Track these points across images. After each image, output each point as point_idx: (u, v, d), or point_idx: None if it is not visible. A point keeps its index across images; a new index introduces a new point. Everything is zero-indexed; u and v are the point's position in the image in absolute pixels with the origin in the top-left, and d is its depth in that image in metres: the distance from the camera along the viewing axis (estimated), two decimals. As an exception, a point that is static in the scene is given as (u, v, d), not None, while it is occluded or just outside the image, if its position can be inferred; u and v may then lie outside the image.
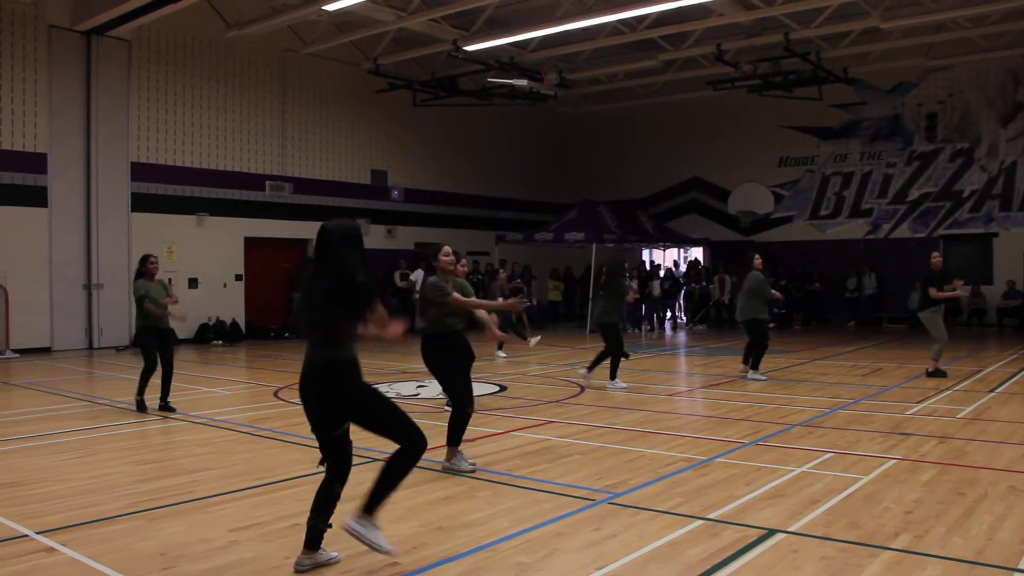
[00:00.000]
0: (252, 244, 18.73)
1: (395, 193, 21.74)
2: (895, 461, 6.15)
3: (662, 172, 25.00)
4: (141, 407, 8.70)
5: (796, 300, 21.68)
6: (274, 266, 19.23)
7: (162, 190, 17.17)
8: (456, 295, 6.07)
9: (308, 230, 18.60)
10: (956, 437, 7.07)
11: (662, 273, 23.16)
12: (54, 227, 15.66)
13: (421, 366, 12.40)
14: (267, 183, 18.96)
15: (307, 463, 6.18)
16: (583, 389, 10.26)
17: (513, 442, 7.07)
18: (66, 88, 15.82)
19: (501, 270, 16.52)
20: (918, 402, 8.98)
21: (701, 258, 24.32)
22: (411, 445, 4.02)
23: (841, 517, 4.76)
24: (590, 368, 10.67)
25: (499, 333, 7.25)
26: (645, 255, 25.76)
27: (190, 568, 4.04)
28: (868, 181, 22.24)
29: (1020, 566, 3.98)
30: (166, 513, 4.99)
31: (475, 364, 6.48)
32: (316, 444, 4.06)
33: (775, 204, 23.24)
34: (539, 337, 15.54)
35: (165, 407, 8.75)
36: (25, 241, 15.22)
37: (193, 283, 17.15)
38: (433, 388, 9.65)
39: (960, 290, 10.85)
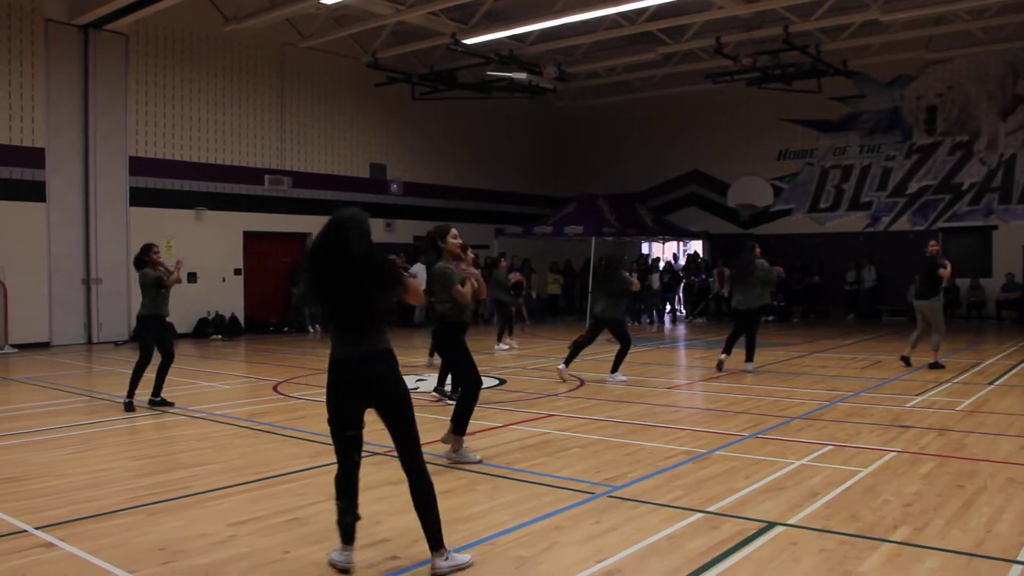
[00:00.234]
0: (251, 238, 18.69)
1: (394, 187, 21.71)
2: (894, 454, 6.16)
3: (661, 165, 24.96)
4: (129, 408, 8.41)
5: (795, 293, 21.69)
6: (273, 260, 19.20)
7: (160, 184, 17.13)
8: (457, 287, 6.05)
9: (307, 224, 18.61)
10: (955, 429, 7.08)
11: (661, 266, 23.17)
12: (52, 222, 15.63)
13: (418, 360, 12.55)
14: (266, 177, 18.92)
15: (306, 458, 6.18)
16: (582, 382, 10.26)
17: (513, 435, 7.07)
18: (64, 82, 15.77)
19: (502, 259, 16.53)
20: (917, 395, 8.99)
21: (700, 251, 24.29)
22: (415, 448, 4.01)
23: (840, 510, 4.77)
24: (613, 370, 10.40)
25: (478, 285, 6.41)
26: (644, 248, 25.75)
27: (189, 563, 4.05)
28: (867, 174, 22.21)
29: (1019, 558, 3.99)
30: (165, 508, 4.99)
31: (475, 358, 6.47)
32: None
33: (774, 197, 23.19)
34: (509, 347, 14.45)
35: (158, 402, 8.54)
36: (23, 236, 15.18)
37: (192, 277, 17.12)
38: (431, 383, 9.64)
39: (950, 267, 11.07)
